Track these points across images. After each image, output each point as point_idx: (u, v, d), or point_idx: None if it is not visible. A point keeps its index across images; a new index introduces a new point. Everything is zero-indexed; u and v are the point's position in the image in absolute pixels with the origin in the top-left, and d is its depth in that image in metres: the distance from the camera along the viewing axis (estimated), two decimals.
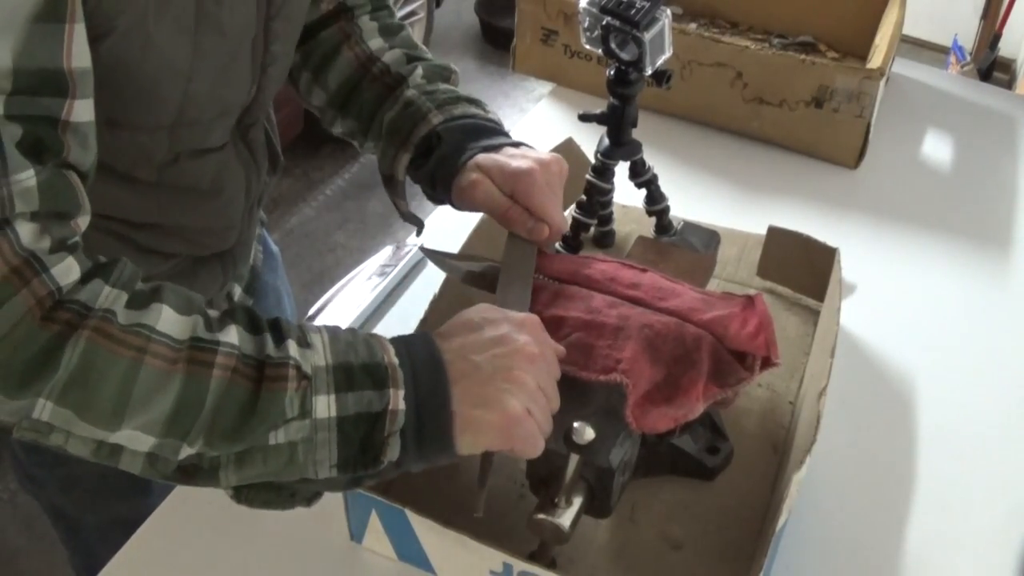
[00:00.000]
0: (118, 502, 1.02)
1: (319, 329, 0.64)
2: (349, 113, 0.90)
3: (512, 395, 0.63)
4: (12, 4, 0.54)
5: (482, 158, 0.80)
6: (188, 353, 0.58)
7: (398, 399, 0.62)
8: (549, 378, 0.67)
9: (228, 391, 0.59)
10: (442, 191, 0.83)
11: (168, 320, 0.58)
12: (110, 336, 0.56)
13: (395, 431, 0.62)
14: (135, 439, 0.58)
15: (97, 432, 0.57)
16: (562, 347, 0.72)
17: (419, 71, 0.88)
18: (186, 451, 0.59)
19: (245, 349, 0.60)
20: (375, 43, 0.90)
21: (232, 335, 0.60)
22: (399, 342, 0.65)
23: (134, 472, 0.60)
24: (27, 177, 0.55)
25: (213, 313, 0.62)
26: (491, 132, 0.83)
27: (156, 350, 0.57)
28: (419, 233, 0.93)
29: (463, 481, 0.83)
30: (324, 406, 0.61)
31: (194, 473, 0.61)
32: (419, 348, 0.65)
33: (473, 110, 0.85)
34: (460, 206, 0.82)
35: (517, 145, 0.82)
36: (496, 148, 0.81)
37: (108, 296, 0.58)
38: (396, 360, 0.63)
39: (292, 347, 0.61)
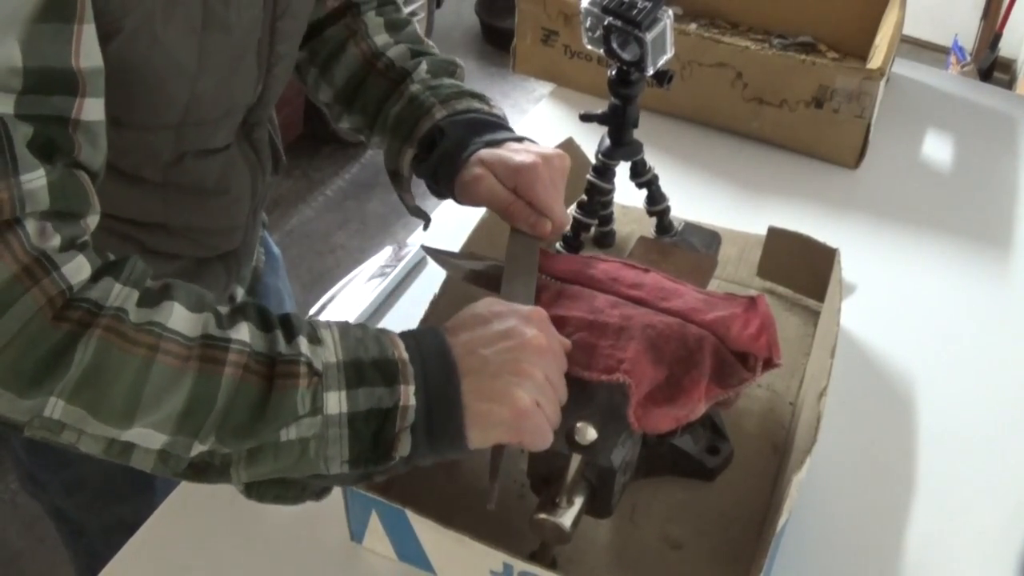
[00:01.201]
0: (121, 504, 1.02)
1: (329, 325, 0.64)
2: (355, 108, 0.90)
3: (521, 388, 0.64)
4: (19, 5, 0.54)
5: (485, 153, 0.80)
6: (200, 351, 0.58)
7: (409, 395, 0.62)
8: (557, 370, 0.67)
9: (239, 389, 0.59)
10: (445, 186, 0.83)
11: (179, 317, 0.58)
12: (122, 334, 0.56)
13: (406, 426, 0.62)
14: (147, 437, 0.58)
15: (109, 430, 0.57)
16: (568, 341, 0.72)
17: (424, 66, 0.88)
18: (198, 448, 0.59)
19: (256, 346, 0.60)
20: (381, 39, 0.90)
21: (243, 332, 0.60)
22: (409, 337, 0.65)
23: (146, 469, 0.60)
24: (37, 177, 0.55)
25: (223, 310, 0.61)
26: (494, 127, 0.83)
27: (167, 348, 0.57)
28: (426, 228, 0.93)
29: (463, 481, 0.83)
30: (335, 402, 0.61)
31: (206, 470, 0.61)
32: (428, 343, 0.65)
33: (476, 105, 0.85)
34: (463, 201, 0.82)
35: (520, 140, 0.82)
36: (499, 143, 0.81)
37: (119, 294, 0.57)
38: (406, 355, 0.63)
39: (303, 344, 0.61)
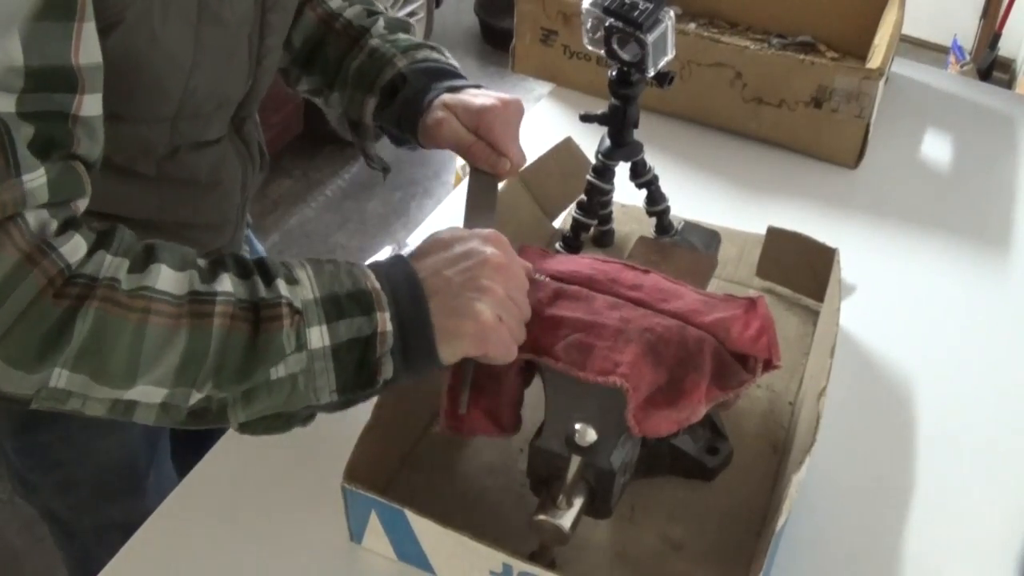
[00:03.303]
0: (113, 506, 1.02)
1: (303, 263, 0.67)
2: (314, 69, 0.95)
3: (482, 302, 0.67)
4: (20, 3, 0.55)
5: (447, 97, 0.85)
6: (189, 307, 0.61)
7: (385, 321, 0.66)
8: (517, 287, 0.71)
9: (229, 337, 0.62)
10: (408, 131, 0.87)
11: (166, 278, 0.61)
12: (117, 302, 0.59)
13: (387, 351, 0.66)
14: (148, 393, 0.61)
15: (112, 392, 0.60)
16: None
17: (380, 22, 0.93)
18: (196, 397, 0.62)
19: (239, 295, 0.63)
20: (335, 2, 0.95)
21: (226, 283, 0.63)
22: (376, 267, 0.68)
23: (148, 423, 0.63)
24: (38, 176, 0.57)
25: (202, 263, 0.64)
26: (453, 75, 0.88)
27: (159, 309, 0.60)
28: (385, 178, 0.99)
29: (463, 481, 0.83)
30: (317, 337, 0.64)
31: (204, 415, 0.64)
32: (396, 270, 0.68)
33: (435, 55, 0.91)
34: (426, 144, 0.87)
35: (478, 86, 0.87)
36: (459, 89, 0.86)
37: (111, 265, 0.60)
38: (378, 284, 0.67)
39: (282, 285, 0.64)
